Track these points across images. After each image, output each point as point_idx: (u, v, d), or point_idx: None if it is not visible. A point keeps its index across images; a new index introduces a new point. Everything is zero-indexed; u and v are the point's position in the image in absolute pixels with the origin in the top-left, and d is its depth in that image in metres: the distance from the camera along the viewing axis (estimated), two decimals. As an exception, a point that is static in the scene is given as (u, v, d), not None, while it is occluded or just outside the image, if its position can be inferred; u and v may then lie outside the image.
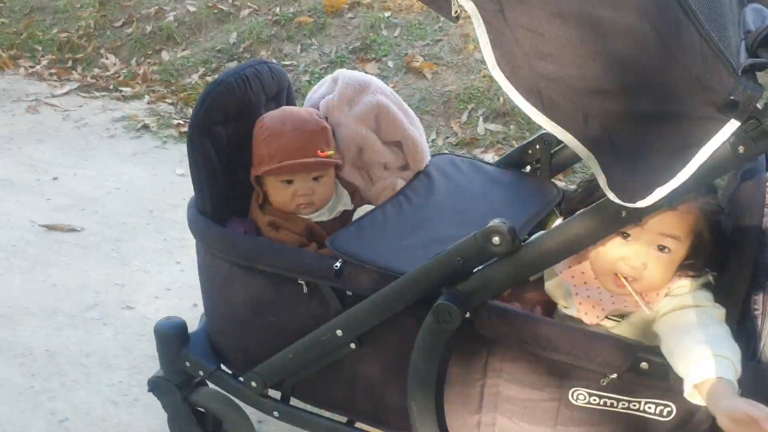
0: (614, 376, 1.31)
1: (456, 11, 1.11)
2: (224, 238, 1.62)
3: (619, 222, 1.17)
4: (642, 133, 1.07)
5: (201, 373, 1.75)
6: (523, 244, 1.28)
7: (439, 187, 1.81)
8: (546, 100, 1.10)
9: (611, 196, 1.11)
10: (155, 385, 1.81)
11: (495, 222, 1.28)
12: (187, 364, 1.75)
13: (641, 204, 1.09)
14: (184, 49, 4.55)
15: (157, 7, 4.84)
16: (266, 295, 1.60)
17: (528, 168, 1.94)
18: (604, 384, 1.32)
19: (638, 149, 1.08)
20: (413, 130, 1.85)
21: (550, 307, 1.51)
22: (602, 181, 1.11)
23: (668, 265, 1.33)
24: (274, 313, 1.60)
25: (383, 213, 1.67)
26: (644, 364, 1.28)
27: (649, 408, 1.32)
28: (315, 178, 1.67)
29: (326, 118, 1.80)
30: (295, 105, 1.93)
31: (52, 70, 4.58)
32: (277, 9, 4.56)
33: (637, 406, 1.33)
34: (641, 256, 1.31)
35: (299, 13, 4.46)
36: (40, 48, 4.81)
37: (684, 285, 1.34)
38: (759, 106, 1.01)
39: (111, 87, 4.32)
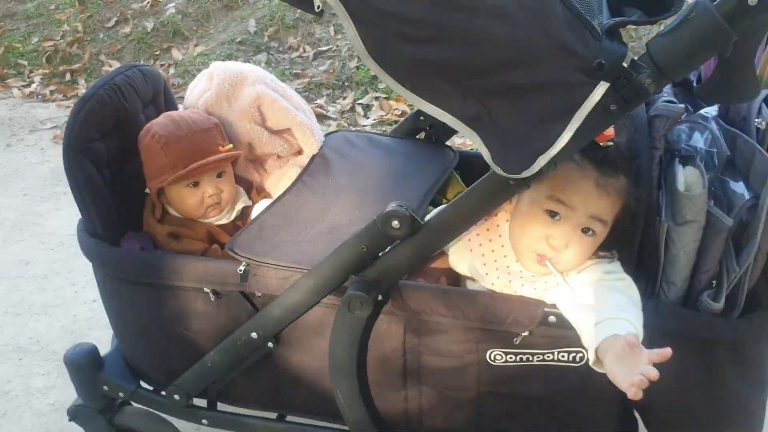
0: (526, 333, 1.35)
1: (318, 5, 1.08)
2: (121, 258, 1.56)
3: (508, 191, 1.19)
4: (519, 105, 1.08)
5: (121, 394, 1.70)
6: (422, 223, 1.29)
7: (337, 168, 1.78)
8: (422, 83, 1.09)
9: (497, 169, 1.13)
10: (75, 414, 1.75)
11: (393, 206, 1.28)
12: (105, 388, 1.70)
13: (526, 174, 1.11)
14: (196, 45, 4.06)
15: (149, 0, 4.28)
16: (174, 308, 1.55)
17: (422, 134, 1.94)
18: (517, 342, 1.36)
19: (517, 121, 1.09)
20: (300, 115, 1.81)
21: (453, 274, 1.53)
22: (486, 155, 1.13)
23: (589, 248, 1.35)
24: (186, 325, 1.56)
25: (282, 205, 1.64)
26: (552, 318, 1.33)
27: (563, 357, 1.37)
28: (219, 176, 1.65)
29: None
30: (173, 105, 1.87)
31: (51, 87, 4.02)
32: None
33: (551, 357, 1.38)
34: (565, 236, 1.32)
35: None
36: (25, 62, 4.22)
37: (591, 263, 1.37)
38: (625, 64, 1.03)
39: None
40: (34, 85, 4.05)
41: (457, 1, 1.01)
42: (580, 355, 1.36)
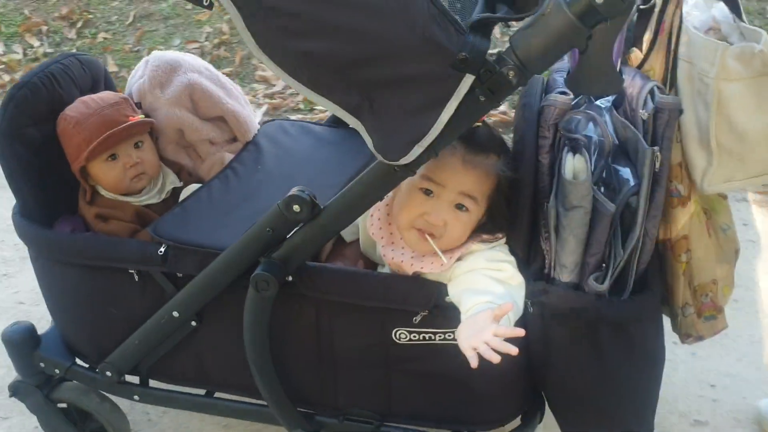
0: (425, 312, 1.42)
1: (208, 0, 1.14)
2: (50, 239, 1.63)
3: (394, 178, 1.26)
4: (394, 96, 1.15)
5: (57, 371, 1.77)
6: (321, 207, 1.36)
7: (267, 156, 1.85)
8: (308, 75, 1.16)
9: (378, 157, 1.20)
10: (16, 390, 1.83)
11: (294, 191, 1.35)
12: (42, 364, 1.77)
13: (403, 161, 1.18)
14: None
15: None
16: (102, 288, 1.63)
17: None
18: (417, 321, 1.43)
19: (394, 112, 1.16)
20: (233, 103, 1.88)
21: (371, 261, 1.61)
22: (369, 143, 1.20)
23: (466, 225, 1.41)
24: (114, 305, 1.64)
25: (209, 190, 1.71)
26: (448, 298, 1.40)
27: (457, 334, 1.44)
28: (137, 145, 1.70)
29: (140, 104, 1.81)
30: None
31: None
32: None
33: (451, 336, 1.44)
34: (441, 213, 1.39)
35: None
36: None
37: (475, 249, 1.43)
38: (492, 58, 1.10)
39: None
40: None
41: None
42: (478, 333, 1.44)
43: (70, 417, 1.87)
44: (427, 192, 1.40)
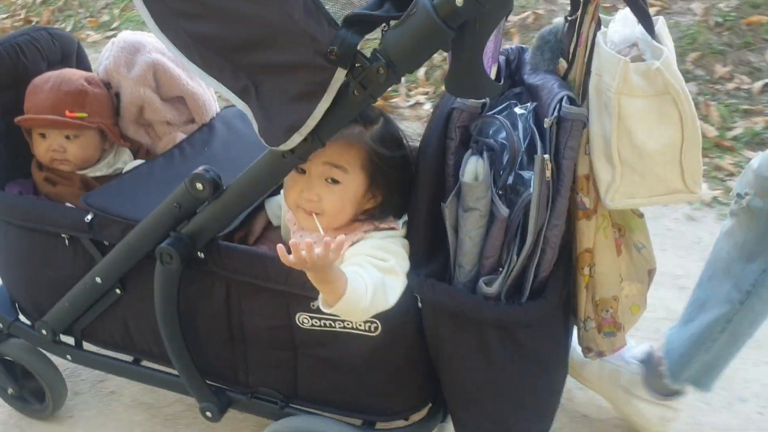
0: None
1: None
2: (-5, 200, 1.73)
3: (283, 164, 1.30)
4: (274, 82, 1.19)
5: (0, 325, 1.87)
6: (224, 188, 1.41)
7: (218, 139, 1.92)
8: (200, 56, 1.22)
9: (262, 141, 1.24)
10: (-35, 340, 1.94)
11: (198, 170, 1.41)
12: (-12, 318, 1.88)
13: (283, 147, 1.23)
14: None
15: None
16: (38, 250, 1.71)
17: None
18: (315, 307, 1.46)
19: (275, 97, 1.21)
20: (194, 85, 1.95)
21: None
22: (255, 127, 1.24)
23: (342, 197, 1.44)
24: (48, 266, 1.72)
25: (149, 167, 1.78)
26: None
27: (360, 325, 1.47)
28: (68, 137, 1.77)
29: (109, 83, 1.89)
30: (87, 67, 2.02)
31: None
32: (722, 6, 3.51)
33: (351, 325, 1.47)
34: (315, 188, 1.43)
35: (745, 11, 3.53)
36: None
37: (367, 236, 1.46)
38: (368, 54, 1.14)
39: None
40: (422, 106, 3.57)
41: None
42: (375, 325, 1.46)
43: (12, 373, 1.97)
44: (300, 170, 1.44)
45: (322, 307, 1.32)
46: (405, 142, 1.52)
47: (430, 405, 1.64)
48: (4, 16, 4.86)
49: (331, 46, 1.11)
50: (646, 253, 1.56)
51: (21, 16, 4.76)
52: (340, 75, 1.14)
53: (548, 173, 1.31)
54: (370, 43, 1.18)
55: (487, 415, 1.51)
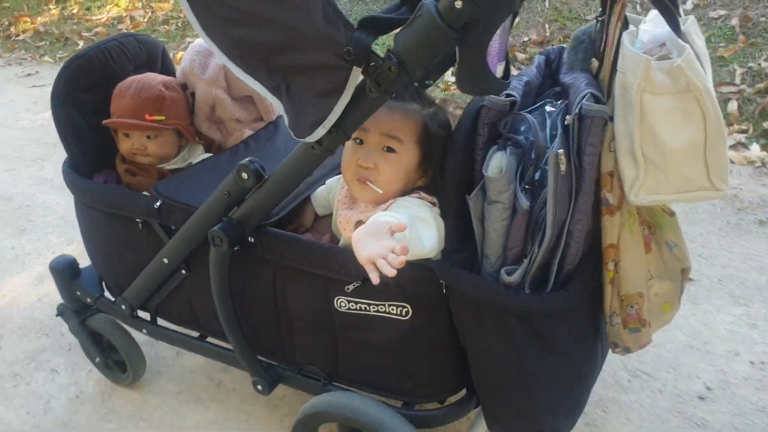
0: (358, 283, 1.56)
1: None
2: (83, 188, 1.94)
3: (313, 155, 1.42)
4: (302, 81, 1.31)
5: (88, 300, 2.10)
6: (266, 177, 1.54)
7: (281, 135, 2.07)
8: (240, 58, 1.35)
9: (291, 134, 1.36)
10: (61, 312, 2.18)
11: (243, 161, 1.55)
12: (78, 293, 2.11)
13: (309, 139, 1.34)
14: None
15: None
16: (118, 232, 1.91)
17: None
18: (350, 291, 1.57)
19: (303, 95, 1.32)
20: (261, 86, 2.11)
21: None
22: (286, 121, 1.36)
23: (397, 166, 1.53)
24: (126, 248, 1.92)
25: (216, 160, 1.95)
26: (376, 272, 1.53)
27: (392, 309, 1.56)
28: (148, 137, 1.96)
29: (185, 85, 2.08)
30: (170, 70, 2.22)
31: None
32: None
33: (383, 309, 1.57)
34: (371, 156, 1.53)
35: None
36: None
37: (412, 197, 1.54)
38: (382, 54, 1.23)
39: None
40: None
41: None
42: (405, 309, 1.55)
43: (100, 344, 2.20)
44: (358, 141, 1.55)
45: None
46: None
47: (466, 390, 1.70)
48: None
49: (347, 47, 1.21)
50: (678, 251, 1.56)
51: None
52: (356, 73, 1.24)
53: (563, 168, 1.35)
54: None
55: (516, 409, 1.55)
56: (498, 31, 1.19)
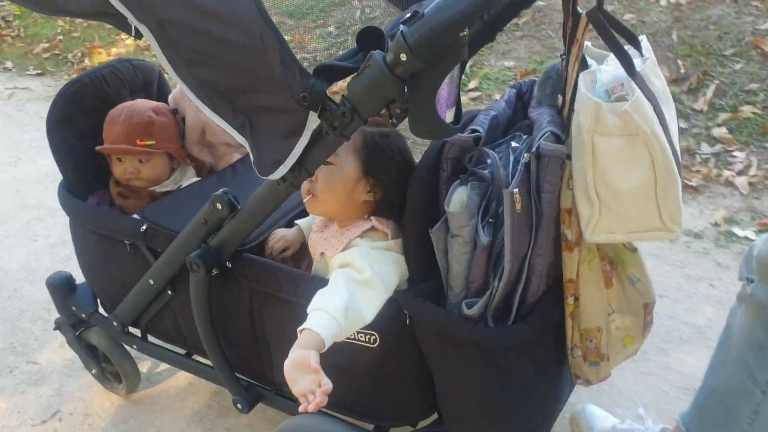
0: None
1: (134, 30, 1.42)
2: (77, 209, 2.03)
3: (278, 191, 1.48)
4: (264, 121, 1.37)
5: (83, 315, 2.19)
6: (239, 208, 1.61)
7: (269, 160, 2.13)
8: (206, 97, 1.41)
9: (256, 171, 1.42)
10: (58, 325, 2.28)
11: (218, 192, 1.61)
12: (74, 308, 2.20)
13: (271, 177, 1.40)
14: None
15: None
16: (108, 253, 1.99)
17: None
18: None
19: (266, 135, 1.38)
20: (251, 111, 2.17)
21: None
22: (252, 160, 1.42)
23: (332, 177, 1.56)
24: (116, 267, 2.00)
25: (202, 184, 2.03)
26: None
27: (361, 337, 1.60)
28: (140, 161, 2.04)
29: (176, 110, 2.16)
30: (166, 94, 2.30)
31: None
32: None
33: (353, 336, 1.60)
34: None
35: None
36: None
37: (351, 244, 1.59)
38: (337, 99, 1.29)
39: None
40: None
41: (209, 32, 1.30)
42: (373, 337, 1.60)
43: (96, 356, 2.28)
44: None
45: None
46: (411, 158, 1.65)
47: (437, 414, 1.75)
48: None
49: (302, 93, 1.27)
50: (641, 286, 1.59)
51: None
52: (313, 117, 1.30)
53: (518, 206, 1.40)
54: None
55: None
56: (446, 80, 1.23)
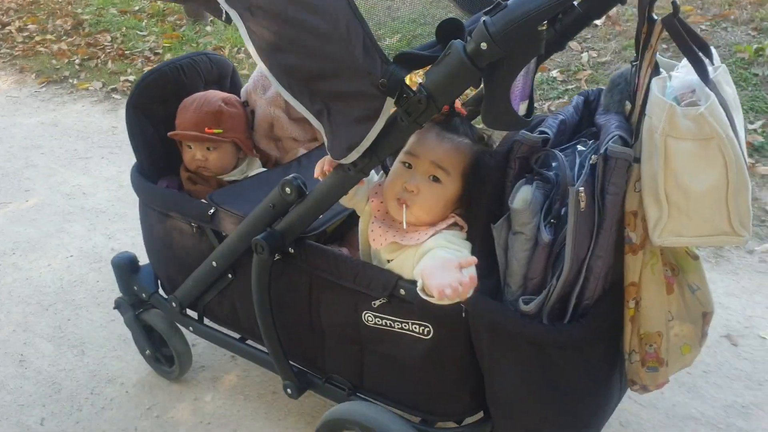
0: (384, 300, 1.64)
1: (224, 15, 1.50)
2: (146, 190, 2.11)
3: (348, 178, 1.52)
4: (341, 107, 1.42)
5: (144, 295, 2.26)
6: (307, 193, 1.66)
7: (333, 155, 2.18)
8: (288, 83, 1.47)
9: (328, 155, 1.47)
10: (118, 304, 2.35)
11: (288, 177, 1.66)
12: (135, 288, 2.27)
13: (344, 161, 1.45)
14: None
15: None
16: (174, 234, 2.06)
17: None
18: (376, 306, 1.66)
19: (341, 120, 1.43)
20: (318, 108, 2.23)
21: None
22: (326, 144, 1.47)
23: (438, 196, 1.60)
24: (181, 249, 2.07)
25: (268, 174, 2.09)
26: (402, 290, 1.61)
27: (415, 328, 1.64)
28: (208, 148, 2.11)
29: (246, 102, 2.23)
30: (238, 88, 2.38)
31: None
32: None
33: (407, 326, 1.65)
34: (416, 180, 1.59)
35: None
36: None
37: (443, 226, 1.61)
38: (413, 88, 1.33)
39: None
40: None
41: (295, 20, 1.36)
42: (427, 329, 1.63)
43: (151, 338, 2.35)
44: (407, 165, 1.62)
45: (422, 295, 1.45)
46: None
47: (483, 413, 1.76)
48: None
49: (382, 78, 1.31)
50: (701, 295, 1.59)
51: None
52: (389, 103, 1.34)
53: (583, 205, 1.41)
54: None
55: (521, 429, 1.60)
56: (522, 72, 1.27)
